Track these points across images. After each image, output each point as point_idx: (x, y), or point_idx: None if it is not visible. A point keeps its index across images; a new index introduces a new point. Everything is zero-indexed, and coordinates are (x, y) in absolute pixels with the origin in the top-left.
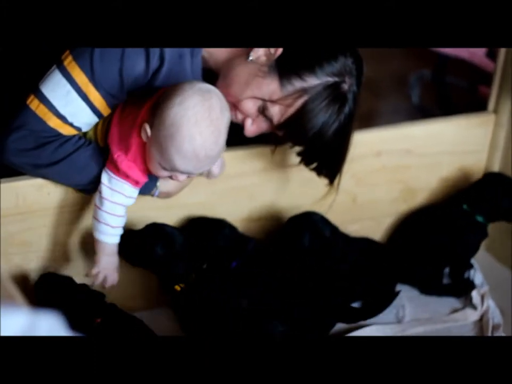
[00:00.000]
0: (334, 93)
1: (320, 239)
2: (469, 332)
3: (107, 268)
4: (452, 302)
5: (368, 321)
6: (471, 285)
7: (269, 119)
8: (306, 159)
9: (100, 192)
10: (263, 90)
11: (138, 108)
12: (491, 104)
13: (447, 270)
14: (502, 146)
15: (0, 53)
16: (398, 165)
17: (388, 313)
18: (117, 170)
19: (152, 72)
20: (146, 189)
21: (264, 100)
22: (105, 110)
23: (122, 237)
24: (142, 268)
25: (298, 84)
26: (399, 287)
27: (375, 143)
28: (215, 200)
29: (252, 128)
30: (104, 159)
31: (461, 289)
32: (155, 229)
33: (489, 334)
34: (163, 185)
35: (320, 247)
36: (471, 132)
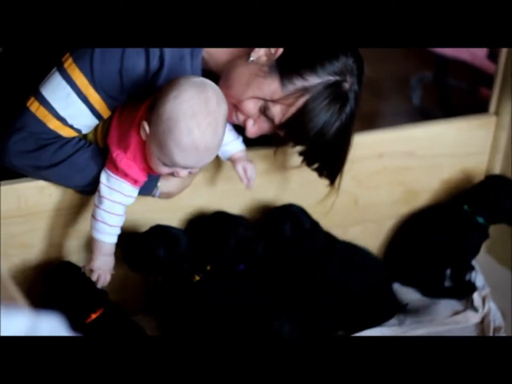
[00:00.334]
0: (335, 92)
1: (301, 229)
2: (470, 334)
3: (101, 268)
4: (453, 304)
5: None
6: (472, 287)
7: (270, 119)
8: (308, 159)
9: (99, 191)
10: (264, 90)
11: (137, 108)
12: (492, 106)
13: (448, 272)
14: (503, 148)
15: (0, 55)
16: (399, 167)
17: None
18: (116, 169)
19: (152, 73)
20: (147, 190)
21: (265, 100)
22: (105, 112)
23: (125, 241)
24: (145, 273)
25: (299, 83)
26: (400, 289)
27: (377, 145)
28: (216, 201)
29: (253, 129)
30: (104, 160)
31: (463, 291)
32: (159, 230)
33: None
34: (164, 185)
35: (301, 237)
36: (472, 133)
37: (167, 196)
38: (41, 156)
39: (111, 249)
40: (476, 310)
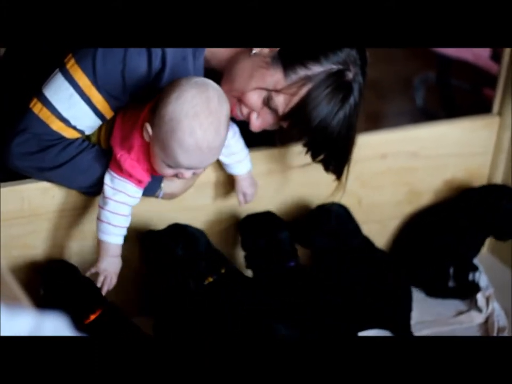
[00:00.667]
0: (338, 81)
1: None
2: (474, 334)
3: (107, 270)
4: (457, 305)
5: None
6: (476, 287)
7: (274, 110)
8: (312, 151)
9: (103, 193)
10: (267, 80)
11: (140, 109)
12: (495, 106)
13: (451, 272)
14: (507, 149)
15: (2, 56)
16: (403, 167)
17: None
18: (120, 170)
19: (154, 74)
20: (151, 190)
21: (268, 90)
22: (108, 112)
23: (143, 238)
24: (160, 272)
25: (302, 72)
26: None
27: (380, 145)
28: (219, 203)
29: (257, 122)
30: (107, 161)
31: (466, 291)
32: (177, 229)
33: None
34: (167, 186)
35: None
36: (475, 134)
37: (171, 196)
38: (45, 157)
39: (117, 250)
40: (479, 310)
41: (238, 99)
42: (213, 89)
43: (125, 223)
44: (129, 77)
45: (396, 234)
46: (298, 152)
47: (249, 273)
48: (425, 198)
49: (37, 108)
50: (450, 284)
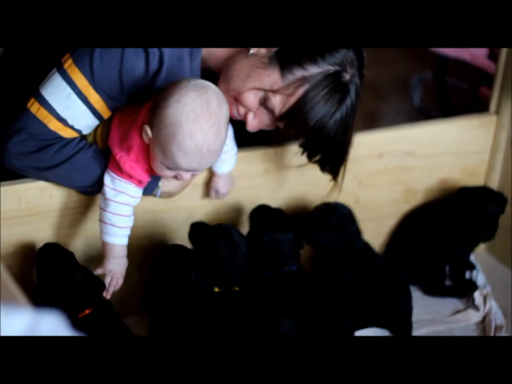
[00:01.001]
0: (335, 82)
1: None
2: (472, 333)
3: (114, 271)
4: (454, 303)
5: None
6: (473, 286)
7: (270, 110)
8: (308, 151)
9: (104, 194)
10: (264, 81)
11: (138, 109)
12: (492, 105)
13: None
14: (504, 148)
15: (1, 56)
16: (399, 167)
17: None
18: (120, 171)
19: (151, 74)
20: (148, 190)
21: (265, 91)
22: (105, 112)
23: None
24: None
25: (299, 72)
26: None
27: (377, 144)
28: (217, 201)
29: (254, 122)
30: (105, 160)
31: (463, 290)
32: (225, 231)
33: (492, 335)
34: (165, 185)
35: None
36: (472, 133)
37: (168, 195)
38: (42, 157)
39: (123, 251)
40: (477, 308)
41: (234, 99)
42: (213, 92)
43: (128, 223)
44: (127, 77)
45: (392, 233)
46: (295, 152)
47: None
48: (421, 197)
49: (34, 107)
50: (447, 282)
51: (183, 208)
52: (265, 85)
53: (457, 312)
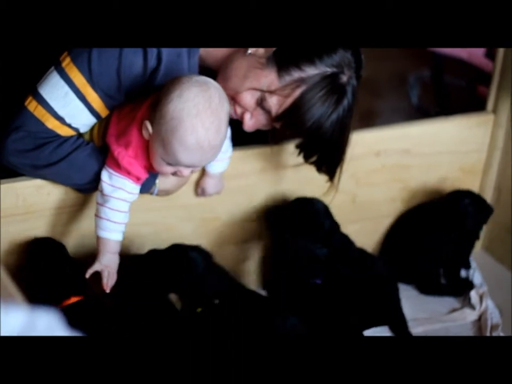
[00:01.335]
0: (332, 83)
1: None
2: (468, 331)
3: (109, 266)
4: (450, 302)
5: None
6: (469, 285)
7: (267, 111)
8: (305, 152)
9: (101, 190)
10: (261, 81)
11: (138, 106)
12: (490, 104)
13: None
14: (501, 146)
15: None
16: (397, 165)
17: None
18: (118, 167)
19: (149, 72)
20: (145, 187)
21: (262, 91)
22: (103, 111)
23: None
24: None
25: (296, 74)
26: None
27: (374, 143)
28: (214, 200)
29: (250, 122)
30: (102, 158)
31: (459, 288)
32: (178, 251)
33: (488, 334)
34: (162, 182)
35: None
36: (470, 131)
37: (165, 193)
38: (40, 154)
39: (117, 247)
40: (473, 307)
41: (232, 98)
42: (214, 88)
43: (124, 219)
44: (125, 74)
45: (389, 232)
46: (291, 151)
47: None
48: (419, 195)
49: (32, 105)
50: (443, 281)
51: (181, 207)
52: (262, 86)
53: (454, 310)
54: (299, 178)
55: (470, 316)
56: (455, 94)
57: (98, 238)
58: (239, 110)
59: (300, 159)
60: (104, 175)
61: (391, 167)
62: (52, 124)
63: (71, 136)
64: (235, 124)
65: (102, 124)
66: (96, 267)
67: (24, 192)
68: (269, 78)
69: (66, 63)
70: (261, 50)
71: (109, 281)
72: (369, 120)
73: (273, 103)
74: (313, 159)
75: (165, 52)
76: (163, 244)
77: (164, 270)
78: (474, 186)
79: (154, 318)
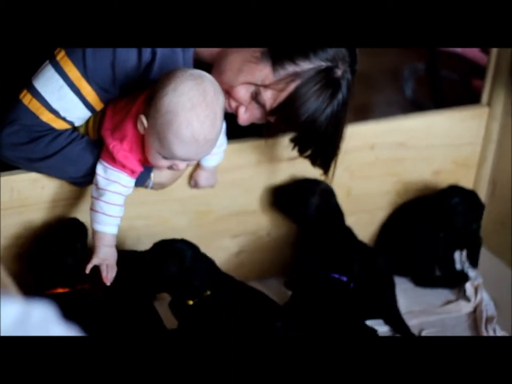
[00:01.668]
0: (326, 78)
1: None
2: (463, 323)
3: (107, 259)
4: (445, 294)
5: None
6: (464, 277)
7: (261, 105)
8: (299, 146)
9: (96, 184)
10: (256, 75)
11: (133, 100)
12: (484, 97)
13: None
14: (496, 139)
15: None
16: (391, 158)
17: None
18: (113, 160)
19: (144, 65)
20: (140, 181)
21: (256, 85)
22: (98, 104)
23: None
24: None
25: (291, 68)
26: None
27: (369, 136)
28: (209, 193)
29: (245, 116)
30: (97, 151)
31: (454, 280)
32: (164, 247)
33: (483, 326)
34: (157, 176)
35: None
36: (464, 124)
37: (160, 186)
38: (34, 148)
39: (113, 240)
40: (468, 299)
41: (226, 92)
42: (209, 82)
43: (120, 212)
44: (119, 68)
45: (384, 224)
46: (286, 145)
47: None
48: (413, 188)
49: (27, 99)
50: (438, 273)
51: (176, 200)
52: (256, 80)
53: (449, 302)
54: (294, 172)
55: (465, 308)
56: (449, 87)
57: (94, 232)
58: (233, 104)
59: (295, 152)
60: (99, 168)
61: (385, 160)
62: (46, 117)
63: (66, 130)
64: (230, 118)
65: (97, 118)
66: (94, 261)
67: (19, 185)
68: (264, 72)
69: (61, 56)
70: None
71: (108, 274)
72: (364, 113)
73: (268, 97)
74: (308, 152)
75: None
76: (158, 237)
77: (151, 265)
78: (469, 180)
79: (142, 319)
